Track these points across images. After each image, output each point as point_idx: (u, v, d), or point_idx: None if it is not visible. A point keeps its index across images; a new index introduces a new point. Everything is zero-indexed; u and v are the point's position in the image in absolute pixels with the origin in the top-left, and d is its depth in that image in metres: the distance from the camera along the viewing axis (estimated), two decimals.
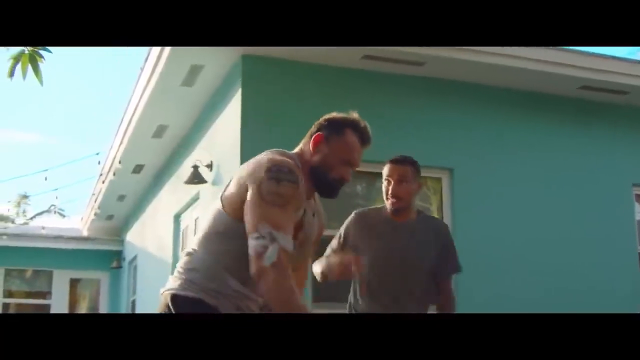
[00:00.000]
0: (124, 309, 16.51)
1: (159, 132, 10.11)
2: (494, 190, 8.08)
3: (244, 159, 7.10)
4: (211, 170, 8.39)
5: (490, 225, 7.96)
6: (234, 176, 2.89)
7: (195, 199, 9.38)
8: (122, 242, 17.45)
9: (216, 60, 7.65)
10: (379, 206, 4.43)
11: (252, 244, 2.61)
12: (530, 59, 7.94)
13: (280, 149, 2.94)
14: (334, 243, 4.40)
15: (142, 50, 8.42)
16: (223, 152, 7.96)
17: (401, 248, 4.26)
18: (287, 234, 2.64)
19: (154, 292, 13.32)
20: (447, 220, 8.00)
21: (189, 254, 2.90)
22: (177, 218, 10.78)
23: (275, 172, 2.70)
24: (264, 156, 2.83)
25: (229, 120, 7.70)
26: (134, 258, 15.44)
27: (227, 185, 2.89)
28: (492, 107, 8.41)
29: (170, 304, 2.78)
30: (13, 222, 25.12)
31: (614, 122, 8.97)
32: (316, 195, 3.07)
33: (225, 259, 2.80)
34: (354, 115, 3.02)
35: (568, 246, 8.18)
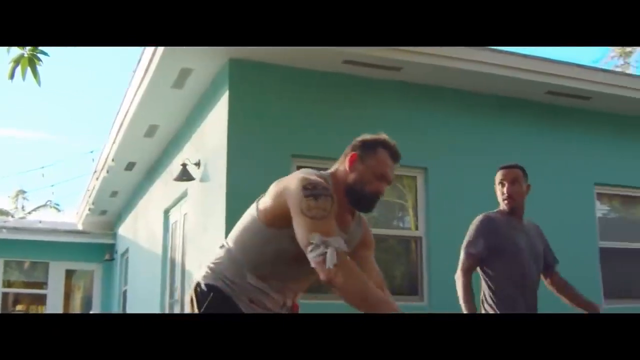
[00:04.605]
0: (116, 298, 16.50)
1: (150, 131, 10.06)
2: (466, 187, 8.09)
3: (230, 157, 7.07)
4: (199, 168, 8.34)
5: (462, 220, 7.95)
6: (269, 190, 2.96)
7: (184, 195, 9.33)
8: (114, 235, 17.45)
9: (205, 64, 7.61)
10: (495, 210, 4.64)
11: (311, 256, 2.65)
12: (500, 65, 7.97)
13: (312, 169, 3.01)
14: (471, 245, 4.54)
15: (136, 52, 8.39)
16: (211, 151, 7.92)
17: (529, 243, 4.54)
18: (338, 238, 2.68)
19: (144, 282, 13.31)
20: (421, 216, 8.02)
21: (221, 247, 3.04)
22: (166, 213, 10.74)
23: (311, 190, 2.76)
24: (298, 175, 2.89)
25: (217, 121, 7.66)
26: (126, 251, 15.42)
27: (261, 197, 3.00)
28: (464, 110, 8.42)
29: (193, 293, 2.94)
30: (12, 216, 24.95)
31: (578, 126, 9.02)
32: (357, 213, 3.15)
33: (249, 255, 2.92)
34: (384, 135, 3.12)
35: None
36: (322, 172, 3.02)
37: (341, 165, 3.06)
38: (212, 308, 2.85)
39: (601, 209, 9.31)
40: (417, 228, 8.07)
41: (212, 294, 2.88)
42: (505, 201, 4.55)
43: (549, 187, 8.49)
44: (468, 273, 4.53)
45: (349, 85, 7.80)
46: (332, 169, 3.09)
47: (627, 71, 19.97)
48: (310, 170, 2.98)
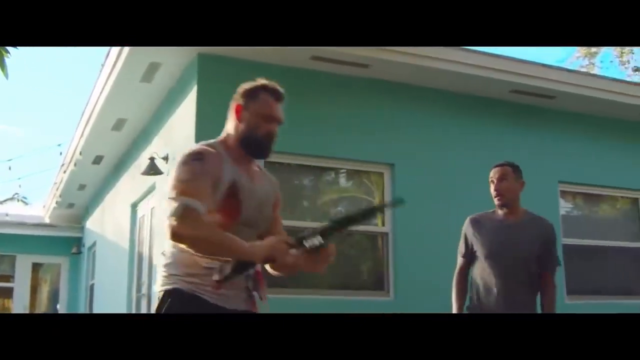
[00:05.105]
0: (83, 292, 16.38)
1: (118, 125, 9.98)
2: (432, 184, 8.12)
3: None
4: (167, 162, 8.29)
5: (428, 217, 8.00)
6: None
7: (151, 189, 9.27)
8: (82, 229, 17.30)
9: (173, 58, 7.56)
10: (491, 210, 4.78)
11: (167, 216, 2.75)
12: (466, 63, 7.99)
13: (205, 141, 3.07)
14: (461, 248, 4.80)
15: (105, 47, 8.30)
16: (178, 145, 7.86)
17: (511, 243, 4.55)
18: (195, 199, 2.73)
19: (111, 276, 13.17)
20: (387, 212, 8.02)
21: (162, 253, 3.00)
22: (134, 207, 10.66)
23: (184, 158, 2.88)
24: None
25: (185, 115, 7.61)
26: (93, 244, 15.30)
27: None
28: (430, 107, 8.44)
29: (158, 302, 2.90)
30: None
31: (542, 124, 9.09)
32: (264, 170, 3.24)
33: None
34: (262, 79, 3.20)
35: None
36: (212, 140, 3.08)
37: (229, 124, 3.13)
38: (173, 310, 2.81)
39: (565, 206, 9.40)
40: (383, 224, 8.07)
41: (169, 299, 2.83)
42: (496, 198, 4.67)
43: None
44: (459, 275, 4.76)
45: (318, 81, 7.78)
46: (222, 134, 3.14)
47: (592, 71, 20.14)
48: (201, 142, 3.04)
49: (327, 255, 2.95)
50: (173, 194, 2.77)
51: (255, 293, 2.96)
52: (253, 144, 3.04)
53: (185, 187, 2.77)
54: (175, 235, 2.71)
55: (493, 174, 4.70)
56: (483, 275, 4.60)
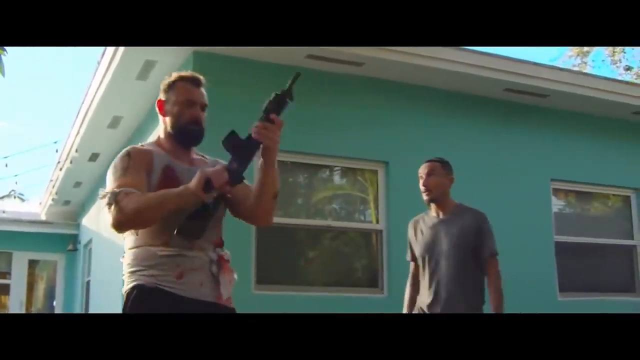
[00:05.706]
0: (79, 289, 16.35)
1: (114, 122, 9.96)
2: None
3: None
4: None
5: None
6: None
7: None
8: (78, 226, 17.28)
9: (169, 56, 7.54)
10: (427, 211, 4.76)
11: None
12: (459, 62, 7.99)
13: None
14: (408, 253, 4.83)
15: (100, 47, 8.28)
16: None
17: (441, 238, 4.53)
18: (127, 188, 2.76)
19: (107, 273, 13.12)
20: (382, 208, 8.03)
21: (122, 257, 2.98)
22: None
23: (111, 164, 2.96)
24: None
25: None
26: (89, 241, 15.27)
27: None
28: (424, 105, 8.44)
29: (123, 302, 2.86)
30: None
31: (536, 122, 9.11)
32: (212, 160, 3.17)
33: (142, 237, 2.87)
34: (180, 72, 3.17)
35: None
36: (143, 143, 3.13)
37: (160, 125, 3.12)
38: (136, 308, 2.78)
39: (557, 204, 9.41)
40: (378, 221, 8.07)
41: (132, 296, 2.81)
42: (424, 194, 4.65)
43: (506, 182, 8.55)
44: (409, 280, 4.77)
45: (313, 79, 7.75)
46: (154, 137, 3.15)
47: (584, 70, 20.17)
48: None
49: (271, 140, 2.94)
50: (105, 190, 2.82)
51: (222, 281, 2.89)
52: (181, 132, 3.02)
53: (117, 183, 2.81)
54: (117, 223, 2.74)
55: (422, 170, 4.66)
56: (422, 275, 4.60)
